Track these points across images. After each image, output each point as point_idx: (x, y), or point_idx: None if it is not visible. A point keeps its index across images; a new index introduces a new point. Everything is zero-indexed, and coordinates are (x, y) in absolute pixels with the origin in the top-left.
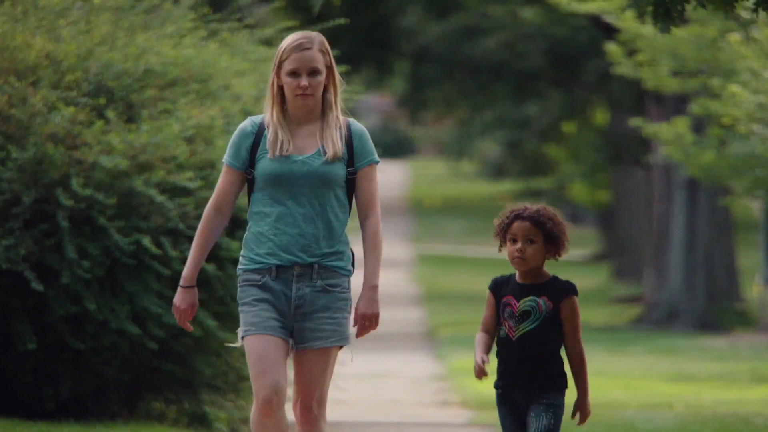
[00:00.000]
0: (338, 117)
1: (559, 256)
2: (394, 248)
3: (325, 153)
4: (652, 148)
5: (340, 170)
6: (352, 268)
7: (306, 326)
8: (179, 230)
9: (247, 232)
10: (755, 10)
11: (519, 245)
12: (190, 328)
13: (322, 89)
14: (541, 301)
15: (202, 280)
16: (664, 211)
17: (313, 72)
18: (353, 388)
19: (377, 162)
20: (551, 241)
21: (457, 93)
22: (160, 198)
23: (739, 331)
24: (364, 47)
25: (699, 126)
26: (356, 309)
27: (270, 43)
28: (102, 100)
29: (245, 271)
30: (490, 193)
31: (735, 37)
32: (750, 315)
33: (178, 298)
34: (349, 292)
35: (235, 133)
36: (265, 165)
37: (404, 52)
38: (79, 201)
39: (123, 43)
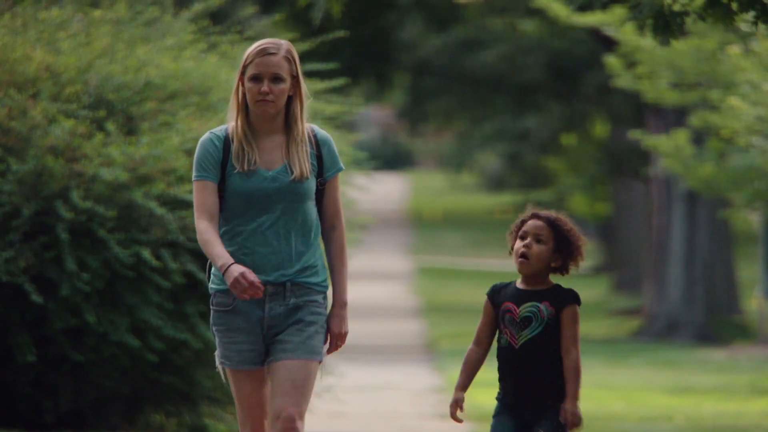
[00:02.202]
0: (304, 132)
1: (567, 271)
2: (394, 260)
3: (291, 172)
4: (651, 161)
5: (311, 184)
6: (327, 284)
7: (278, 339)
8: (179, 243)
9: None
10: (755, 23)
11: (527, 241)
12: (261, 291)
13: (284, 98)
14: (542, 306)
15: (203, 293)
16: (664, 224)
17: (276, 78)
18: (353, 401)
19: (342, 170)
20: (562, 249)
21: (457, 105)
22: (160, 210)
23: (738, 343)
24: (363, 59)
25: (698, 138)
26: (329, 328)
27: None
28: (102, 113)
29: (216, 292)
30: (490, 205)
31: (734, 49)
32: (749, 327)
33: (234, 271)
34: (324, 308)
35: (200, 149)
36: (234, 182)
37: (404, 64)
38: (78, 213)
39: (123, 56)
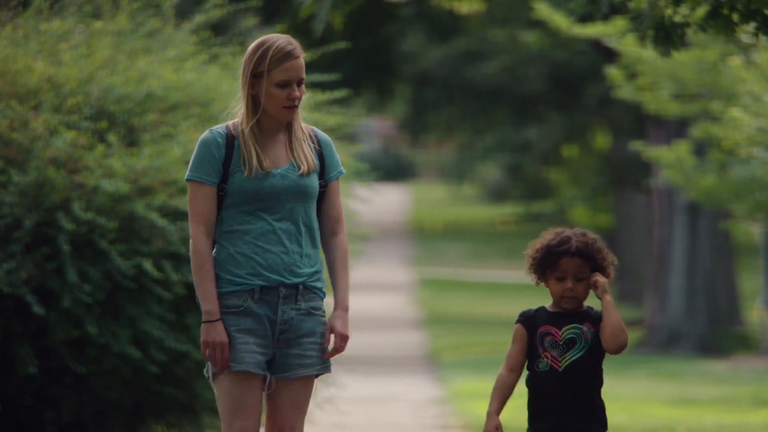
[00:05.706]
0: (302, 126)
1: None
2: (395, 272)
3: (299, 167)
4: (652, 172)
5: (315, 183)
6: (325, 292)
7: (291, 353)
8: (180, 254)
9: (218, 254)
10: (755, 35)
11: (569, 285)
12: (226, 366)
13: None
14: (584, 327)
15: None
16: (665, 235)
17: (300, 81)
18: (354, 412)
19: (344, 173)
20: (597, 271)
21: (458, 117)
22: (161, 222)
23: (740, 354)
24: (365, 71)
25: (700, 150)
26: (332, 329)
27: None
28: (103, 124)
29: (221, 294)
30: (491, 216)
31: (735, 60)
32: (751, 339)
33: (214, 332)
34: (325, 317)
35: (201, 146)
36: (241, 180)
37: (405, 75)
38: (80, 225)
39: (124, 67)
